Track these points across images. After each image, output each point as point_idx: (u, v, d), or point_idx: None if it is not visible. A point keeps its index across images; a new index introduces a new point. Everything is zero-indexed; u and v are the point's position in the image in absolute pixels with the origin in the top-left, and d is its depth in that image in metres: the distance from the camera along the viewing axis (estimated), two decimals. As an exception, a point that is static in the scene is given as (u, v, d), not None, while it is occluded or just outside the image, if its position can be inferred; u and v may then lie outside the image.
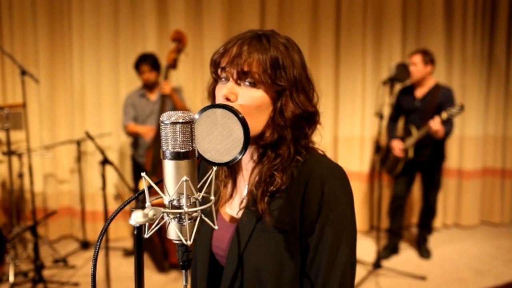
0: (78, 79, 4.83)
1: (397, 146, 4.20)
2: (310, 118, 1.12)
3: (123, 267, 4.24)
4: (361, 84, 5.06)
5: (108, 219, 0.93)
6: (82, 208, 4.72)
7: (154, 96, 4.34)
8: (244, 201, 1.14)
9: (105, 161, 3.30)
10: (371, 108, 4.99)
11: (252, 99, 1.05)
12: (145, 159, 4.15)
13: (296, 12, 4.97)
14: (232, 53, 1.05)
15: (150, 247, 4.28)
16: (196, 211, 0.90)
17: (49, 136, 4.90)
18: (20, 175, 4.21)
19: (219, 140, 1.01)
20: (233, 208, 1.18)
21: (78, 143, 4.46)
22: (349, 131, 5.13)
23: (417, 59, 4.09)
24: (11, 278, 3.74)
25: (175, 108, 4.21)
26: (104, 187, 3.31)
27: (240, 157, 0.99)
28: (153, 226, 0.92)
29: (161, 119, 0.88)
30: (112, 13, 4.79)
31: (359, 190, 5.13)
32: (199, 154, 1.03)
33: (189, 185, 0.88)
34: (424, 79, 4.15)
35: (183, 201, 0.88)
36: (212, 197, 0.95)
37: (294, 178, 1.09)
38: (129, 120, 4.32)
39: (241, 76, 1.05)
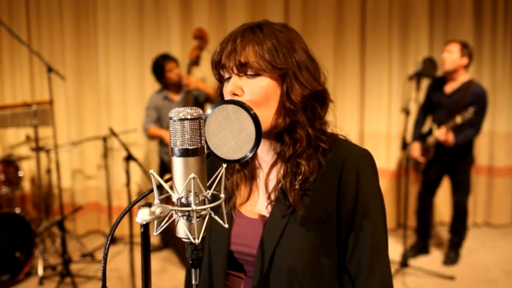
0: (104, 76, 4.89)
1: (415, 148, 4.10)
2: (319, 97, 1.10)
3: (148, 263, 4.26)
4: (388, 80, 4.97)
5: (118, 217, 0.92)
6: (108, 204, 4.78)
7: (177, 97, 4.33)
8: (272, 195, 1.12)
9: (129, 158, 3.32)
10: (398, 104, 4.90)
11: (259, 89, 1.04)
12: (169, 157, 4.16)
13: (320, 7, 4.91)
14: (228, 50, 1.05)
15: (175, 243, 4.30)
16: (205, 209, 0.89)
17: (76, 132, 4.98)
18: (48, 171, 4.29)
19: (231, 136, 1.00)
20: (257, 205, 1.15)
21: (104, 139, 4.51)
22: (375, 127, 5.05)
23: (455, 47, 3.86)
24: (40, 272, 3.81)
25: (208, 99, 4.20)
26: (128, 183, 3.34)
27: (251, 154, 0.97)
28: (162, 224, 0.91)
29: (169, 115, 0.87)
30: (136, 11, 4.83)
31: (385, 187, 5.05)
32: (211, 151, 1.02)
33: (197, 183, 0.87)
34: (457, 73, 3.92)
35: (192, 198, 0.87)
36: (222, 195, 0.93)
37: (322, 166, 1.07)
38: (151, 123, 4.29)
39: (240, 69, 1.04)
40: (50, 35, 4.88)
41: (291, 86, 1.05)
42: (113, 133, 3.47)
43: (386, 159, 5.05)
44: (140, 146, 4.97)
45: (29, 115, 3.97)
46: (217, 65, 1.08)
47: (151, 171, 0.89)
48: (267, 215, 1.11)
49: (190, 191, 0.87)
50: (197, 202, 0.88)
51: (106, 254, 0.93)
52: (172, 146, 0.88)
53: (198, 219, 0.89)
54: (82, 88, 4.98)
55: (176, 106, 4.23)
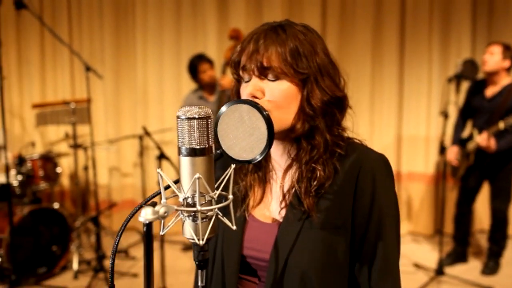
0: (141, 75, 4.98)
1: (452, 152, 3.97)
2: (339, 103, 1.08)
3: (181, 261, 4.31)
4: (427, 82, 4.85)
5: (128, 216, 0.93)
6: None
7: (212, 97, 4.35)
8: (286, 199, 1.09)
9: (161, 156, 3.36)
10: (438, 106, 4.77)
11: (279, 92, 1.02)
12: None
13: (358, 8, 4.83)
14: (249, 50, 1.03)
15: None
16: (211, 210, 0.87)
17: (114, 130, 5.08)
18: (86, 168, 4.39)
19: (243, 137, 0.98)
20: (270, 208, 1.13)
21: (140, 137, 4.58)
22: (414, 131, 4.93)
23: (497, 49, 3.73)
24: (75, 266, 3.91)
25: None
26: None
27: (262, 156, 0.96)
28: (169, 224, 0.91)
29: (177, 114, 0.86)
30: (174, 10, 4.89)
31: (423, 192, 4.93)
32: (223, 151, 1.01)
33: (202, 183, 0.85)
34: (498, 76, 3.78)
35: (197, 199, 0.85)
36: (230, 196, 0.91)
37: (338, 171, 1.05)
38: None
39: (262, 71, 1.02)
40: (90, 36, 5.01)
41: (311, 91, 1.04)
42: (146, 132, 3.52)
43: (424, 164, 4.92)
44: (176, 145, 5.02)
45: (68, 113, 4.07)
46: (237, 66, 1.07)
47: (158, 170, 0.89)
48: (280, 219, 1.09)
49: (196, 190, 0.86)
50: (203, 202, 0.87)
51: (114, 255, 0.93)
52: (179, 145, 0.87)
53: (204, 220, 0.87)
54: (120, 86, 5.09)
55: (211, 106, 4.26)
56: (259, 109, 0.95)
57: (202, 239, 0.86)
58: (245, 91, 1.05)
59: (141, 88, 5.00)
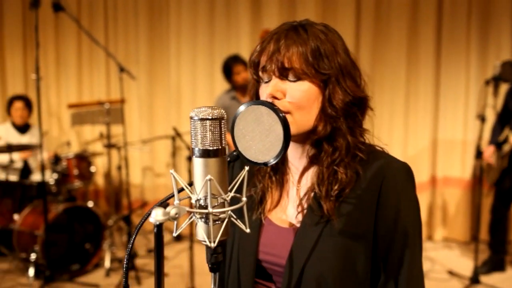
0: (175, 76, 5.03)
1: (487, 151, 3.85)
2: (361, 104, 1.05)
3: (210, 261, 4.32)
4: (465, 84, 4.71)
5: (142, 219, 0.93)
6: (175, 202, 4.89)
7: (245, 99, 4.35)
8: (304, 203, 1.07)
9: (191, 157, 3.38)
10: (475, 109, 4.62)
11: (300, 93, 1.00)
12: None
13: (394, 8, 4.74)
14: (270, 50, 1.01)
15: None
16: (224, 212, 0.86)
17: (147, 130, 5.15)
18: (119, 168, 4.46)
19: (260, 139, 0.97)
20: (287, 212, 1.11)
21: (173, 138, 4.62)
22: (450, 134, 4.80)
23: None
24: (107, 264, 3.98)
25: None
26: (191, 183, 3.39)
27: (278, 159, 0.94)
28: (182, 225, 0.90)
29: (190, 114, 0.86)
30: (207, 12, 4.92)
31: (459, 198, 4.80)
32: (239, 152, 1.00)
33: (214, 185, 0.84)
34: None
35: (208, 201, 0.85)
36: (244, 198, 0.90)
37: (360, 177, 1.02)
38: None
39: (283, 72, 1.01)
40: (125, 37, 5.10)
41: (333, 91, 1.02)
42: (177, 133, 3.55)
43: (461, 168, 4.78)
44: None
45: (102, 113, 4.15)
46: (256, 66, 1.05)
47: (171, 171, 0.88)
48: (297, 224, 1.07)
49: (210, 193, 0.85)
50: (215, 204, 0.86)
51: (128, 257, 0.93)
52: (192, 146, 0.86)
53: (216, 222, 0.87)
54: (154, 87, 5.16)
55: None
56: (276, 110, 0.94)
57: (214, 242, 0.85)
58: (265, 92, 1.03)
59: (175, 88, 5.06)
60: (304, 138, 1.05)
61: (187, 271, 3.62)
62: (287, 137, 0.93)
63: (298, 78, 1.00)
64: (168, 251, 4.52)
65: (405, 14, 4.72)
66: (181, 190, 0.91)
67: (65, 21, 5.06)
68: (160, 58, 5.12)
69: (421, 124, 4.83)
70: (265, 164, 0.97)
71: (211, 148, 0.85)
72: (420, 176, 4.69)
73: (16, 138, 4.34)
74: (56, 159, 4.03)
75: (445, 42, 4.74)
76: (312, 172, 1.08)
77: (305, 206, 1.06)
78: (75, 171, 4.09)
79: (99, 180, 5.21)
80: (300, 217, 1.06)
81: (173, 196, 0.91)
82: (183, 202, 0.90)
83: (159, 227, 0.83)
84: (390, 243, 1.01)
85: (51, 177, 4.03)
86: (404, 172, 1.04)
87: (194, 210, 0.86)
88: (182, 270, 4.03)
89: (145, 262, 4.28)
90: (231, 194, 0.89)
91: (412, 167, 1.07)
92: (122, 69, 3.84)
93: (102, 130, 4.64)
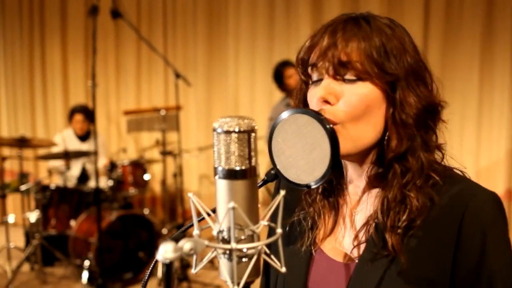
0: (233, 83, 4.94)
1: None
2: (434, 113, 0.85)
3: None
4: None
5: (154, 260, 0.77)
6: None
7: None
8: (363, 234, 0.87)
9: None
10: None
11: (358, 98, 0.81)
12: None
13: (467, 6, 4.41)
14: (323, 45, 0.83)
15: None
16: (253, 248, 0.69)
17: (204, 137, 5.09)
18: (175, 175, 4.40)
19: (302, 155, 0.81)
20: (343, 242, 0.92)
21: (229, 146, 4.52)
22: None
23: None
24: (160, 274, 3.90)
25: None
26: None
27: (322, 181, 0.77)
28: (204, 260, 0.74)
29: (213, 125, 0.70)
30: (267, 17, 4.81)
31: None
32: (278, 171, 0.84)
33: (239, 214, 0.68)
34: None
35: (231, 234, 0.68)
36: (279, 230, 0.73)
37: (434, 205, 0.82)
38: None
39: (339, 70, 0.81)
40: (184, 44, 5.10)
41: (404, 96, 0.82)
42: (231, 141, 3.43)
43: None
44: (267, 154, 4.92)
45: (158, 120, 4.11)
46: (305, 64, 0.87)
47: (190, 194, 0.72)
48: (355, 258, 0.88)
49: (234, 224, 0.69)
50: (242, 238, 0.69)
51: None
52: (215, 165, 0.70)
53: (243, 260, 0.70)
54: (211, 94, 5.10)
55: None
56: (322, 121, 0.77)
57: (238, 284, 0.69)
58: (315, 95, 0.84)
59: (233, 95, 4.97)
60: (363, 154, 0.86)
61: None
62: (335, 154, 0.76)
63: (358, 78, 0.81)
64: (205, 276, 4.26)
65: (479, 14, 4.38)
66: (202, 218, 0.75)
67: (125, 28, 5.10)
68: (218, 64, 5.05)
69: (496, 134, 4.45)
70: (308, 186, 0.80)
71: (238, 168, 0.68)
72: (494, 190, 4.31)
73: (76, 145, 4.38)
74: (112, 166, 4.03)
75: (524, 45, 4.36)
76: (373, 197, 0.89)
77: (365, 238, 0.87)
78: (130, 178, 4.07)
79: (156, 187, 5.19)
80: (358, 250, 0.88)
81: (192, 225, 0.76)
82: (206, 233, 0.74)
83: (169, 266, 0.67)
84: None
85: (106, 184, 4.03)
86: (493, 205, 0.83)
87: (215, 245, 0.69)
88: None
89: (198, 272, 4.16)
90: (263, 224, 0.72)
91: (485, 179, 0.85)
92: (178, 75, 3.78)
93: (159, 137, 4.61)
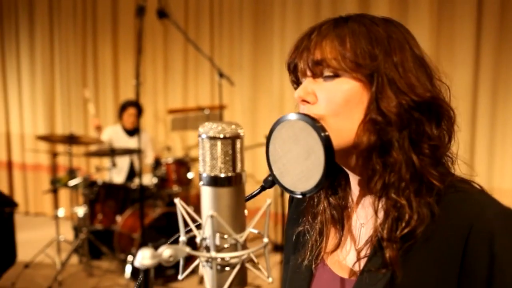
0: (278, 82, 4.92)
1: None
2: (429, 110, 0.78)
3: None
4: None
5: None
6: (275, 211, 4.77)
7: None
8: (367, 248, 0.83)
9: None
10: None
11: (337, 94, 0.78)
12: None
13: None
14: (301, 47, 0.82)
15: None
16: (236, 257, 0.68)
17: (249, 136, 5.09)
18: (217, 174, 4.43)
19: (297, 161, 0.79)
20: (348, 258, 0.88)
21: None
22: None
23: None
24: (201, 271, 3.94)
25: None
26: (282, 193, 3.25)
27: (317, 189, 0.74)
28: (188, 269, 0.74)
29: (199, 130, 0.68)
30: (313, 16, 4.73)
31: None
32: (274, 178, 0.82)
33: (218, 222, 0.66)
34: None
35: (211, 242, 0.67)
36: (265, 239, 0.71)
37: (435, 217, 0.76)
38: None
39: (315, 68, 0.80)
40: (230, 44, 5.11)
41: (381, 90, 0.77)
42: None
43: None
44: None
45: (202, 118, 4.16)
46: (290, 69, 0.87)
47: (176, 200, 0.72)
48: (357, 271, 0.84)
49: (217, 232, 0.67)
50: (226, 246, 0.68)
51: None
52: (200, 171, 0.69)
53: (226, 269, 0.68)
54: (256, 93, 5.09)
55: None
56: (317, 128, 0.74)
57: (222, 294, 0.67)
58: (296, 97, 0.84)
59: (277, 95, 4.94)
60: (348, 154, 0.82)
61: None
62: (330, 162, 0.73)
63: (335, 74, 0.79)
64: (264, 262, 4.34)
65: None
66: (193, 227, 0.74)
67: (172, 28, 5.18)
68: (263, 64, 5.04)
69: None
70: (303, 194, 0.78)
71: (222, 176, 0.67)
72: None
73: (125, 141, 4.49)
74: (156, 164, 4.10)
75: None
76: (371, 204, 0.84)
77: (368, 252, 0.82)
78: (174, 176, 4.13)
79: (202, 185, 5.26)
80: (360, 264, 0.83)
81: (179, 236, 0.75)
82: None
83: (146, 273, 0.66)
84: None
85: (151, 181, 4.11)
86: (504, 223, 0.75)
87: (195, 252, 0.68)
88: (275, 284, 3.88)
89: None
90: (247, 232, 0.70)
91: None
92: (221, 75, 3.80)
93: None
